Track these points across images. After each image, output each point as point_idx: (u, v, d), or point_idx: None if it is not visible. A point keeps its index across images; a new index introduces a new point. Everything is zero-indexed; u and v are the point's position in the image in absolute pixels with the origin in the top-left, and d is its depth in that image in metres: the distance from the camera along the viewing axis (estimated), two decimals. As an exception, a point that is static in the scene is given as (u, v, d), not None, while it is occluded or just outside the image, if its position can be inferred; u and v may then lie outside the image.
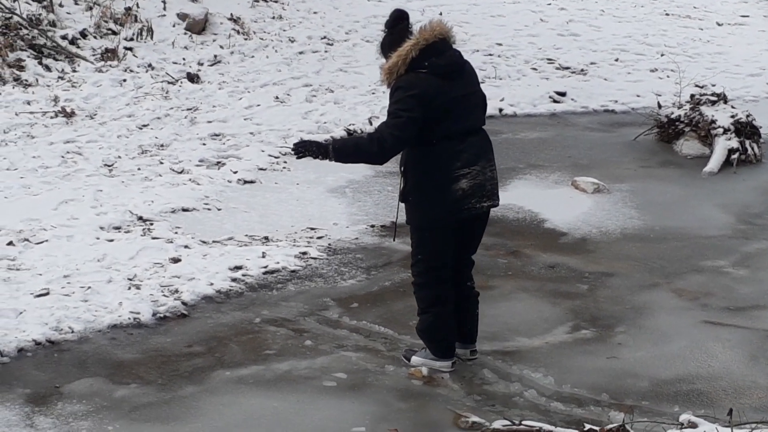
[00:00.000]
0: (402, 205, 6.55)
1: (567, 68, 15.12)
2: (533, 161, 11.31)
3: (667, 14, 18.78)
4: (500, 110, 13.06)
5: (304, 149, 6.38)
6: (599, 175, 10.64)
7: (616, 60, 15.66)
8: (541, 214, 9.65)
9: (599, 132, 12.64)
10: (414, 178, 6.39)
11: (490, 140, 6.58)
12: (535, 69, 14.92)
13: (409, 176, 6.41)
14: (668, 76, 14.67)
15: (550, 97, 13.78)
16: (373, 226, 9.19)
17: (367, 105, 12.76)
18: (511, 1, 18.42)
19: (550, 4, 18.43)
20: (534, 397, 6.40)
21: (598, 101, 13.81)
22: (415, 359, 6.74)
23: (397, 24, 6.38)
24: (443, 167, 6.32)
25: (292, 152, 6.52)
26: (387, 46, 6.38)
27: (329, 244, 8.73)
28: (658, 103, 12.85)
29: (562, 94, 13.87)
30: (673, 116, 12.00)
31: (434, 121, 6.24)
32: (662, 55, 15.95)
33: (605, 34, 16.96)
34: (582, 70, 15.10)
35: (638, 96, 14.01)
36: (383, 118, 13.02)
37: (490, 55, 15.23)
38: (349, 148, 6.44)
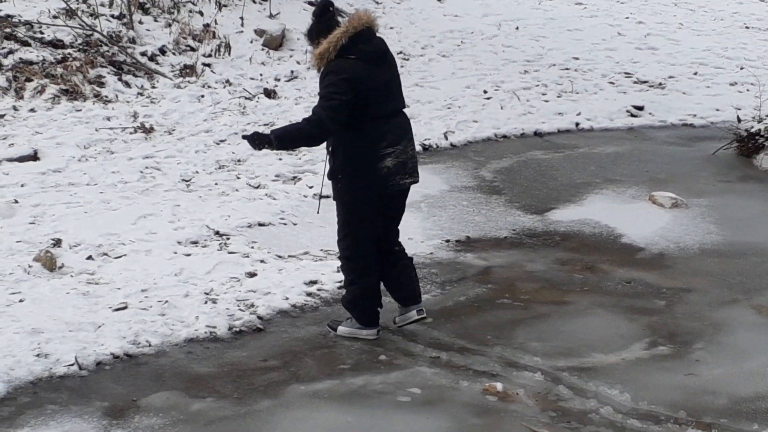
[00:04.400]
0: (329, 183, 7.10)
1: (645, 82, 15.00)
2: (610, 176, 11.22)
3: (747, 27, 18.57)
4: (577, 124, 12.98)
5: (250, 141, 6.82)
6: (677, 189, 10.54)
7: (695, 74, 15.51)
8: (618, 229, 9.58)
9: (677, 146, 12.51)
10: (343, 157, 6.93)
11: (410, 122, 7.10)
12: (612, 83, 14.82)
13: (338, 155, 6.92)
14: (748, 90, 14.50)
15: (627, 111, 13.68)
16: (448, 240, 9.18)
17: (442, 120, 12.75)
18: (588, 15, 18.34)
19: (627, 18, 18.32)
20: (610, 413, 6.34)
21: (677, 115, 13.69)
22: (341, 329, 7.29)
23: (325, 13, 6.84)
24: (371, 147, 6.85)
25: (251, 147, 6.90)
26: (314, 34, 6.85)
27: (404, 259, 8.73)
28: (738, 116, 12.70)
29: (640, 108, 13.76)
30: (753, 130, 11.86)
31: (363, 103, 6.68)
32: (742, 68, 15.77)
33: (684, 47, 16.81)
34: (660, 83, 14.97)
35: (717, 110, 13.87)
36: (458, 132, 12.98)
37: (567, 69, 15.13)
38: (290, 134, 6.90)
